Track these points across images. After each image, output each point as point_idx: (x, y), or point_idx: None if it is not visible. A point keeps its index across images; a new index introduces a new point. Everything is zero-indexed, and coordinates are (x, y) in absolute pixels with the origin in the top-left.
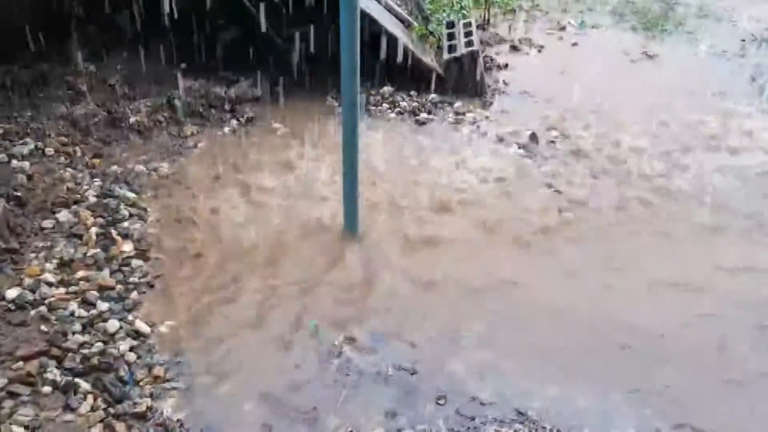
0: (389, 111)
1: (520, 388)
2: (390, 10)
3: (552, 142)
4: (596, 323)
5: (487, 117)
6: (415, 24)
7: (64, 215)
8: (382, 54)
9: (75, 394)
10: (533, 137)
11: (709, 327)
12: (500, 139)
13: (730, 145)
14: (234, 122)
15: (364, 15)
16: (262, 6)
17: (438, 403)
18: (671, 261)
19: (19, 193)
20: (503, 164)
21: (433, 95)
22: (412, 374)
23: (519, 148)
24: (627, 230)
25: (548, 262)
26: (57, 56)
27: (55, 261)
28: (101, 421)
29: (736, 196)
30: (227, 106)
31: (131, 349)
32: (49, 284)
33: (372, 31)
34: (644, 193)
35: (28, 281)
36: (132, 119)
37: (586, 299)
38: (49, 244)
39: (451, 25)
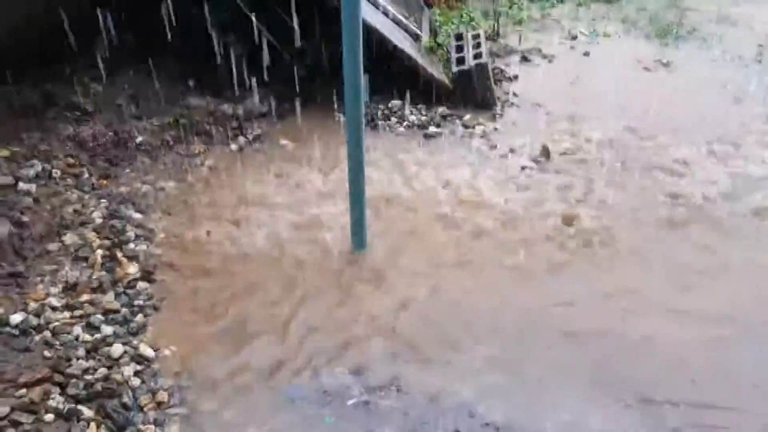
0: (398, 125)
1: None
2: (398, 23)
3: (564, 154)
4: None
5: (496, 129)
6: (424, 37)
7: (70, 237)
8: (390, 68)
9: (78, 421)
10: (544, 150)
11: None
12: (511, 152)
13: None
14: (241, 139)
15: (371, 29)
16: (270, 22)
17: None
18: (687, 281)
19: (25, 216)
20: (514, 178)
21: (442, 108)
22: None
23: (530, 160)
24: (642, 246)
25: (559, 281)
26: (65, 76)
27: (60, 284)
28: None
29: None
30: (234, 124)
31: (135, 373)
32: (54, 308)
33: (379, 44)
34: (660, 207)
35: (32, 305)
36: (139, 139)
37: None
38: (54, 267)
39: (459, 37)
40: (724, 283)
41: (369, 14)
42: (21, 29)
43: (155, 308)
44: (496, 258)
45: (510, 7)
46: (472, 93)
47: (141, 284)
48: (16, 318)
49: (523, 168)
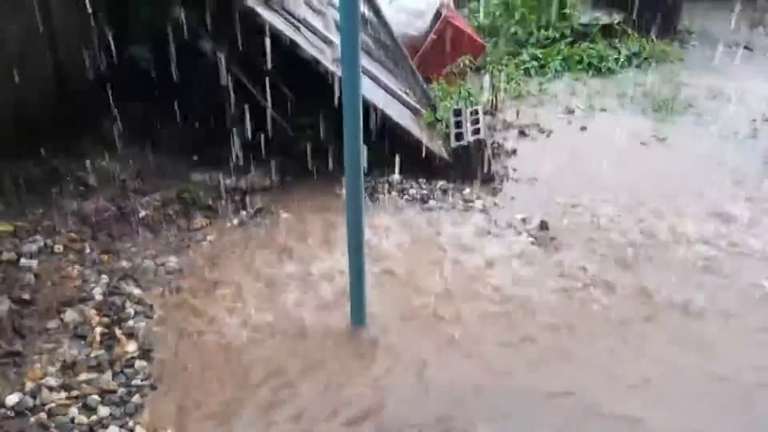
0: (399, 198)
1: None
2: (398, 98)
3: (562, 230)
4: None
5: (495, 204)
6: (423, 111)
7: (69, 315)
8: (391, 142)
9: None
10: (543, 225)
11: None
12: (510, 227)
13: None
14: (243, 213)
15: (371, 104)
16: (273, 96)
17: None
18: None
19: (26, 294)
20: (513, 253)
21: (442, 182)
22: None
23: (529, 236)
24: (642, 324)
25: (563, 361)
26: (69, 152)
27: (58, 363)
28: None
29: None
30: (237, 197)
31: None
32: (51, 388)
33: (379, 119)
34: (659, 285)
35: (29, 386)
36: (142, 214)
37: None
38: (53, 345)
39: (458, 113)
40: None
41: (369, 90)
42: (27, 105)
43: (153, 388)
44: (493, 335)
45: (508, 83)
46: (470, 168)
47: (139, 363)
48: (13, 399)
49: (522, 242)
